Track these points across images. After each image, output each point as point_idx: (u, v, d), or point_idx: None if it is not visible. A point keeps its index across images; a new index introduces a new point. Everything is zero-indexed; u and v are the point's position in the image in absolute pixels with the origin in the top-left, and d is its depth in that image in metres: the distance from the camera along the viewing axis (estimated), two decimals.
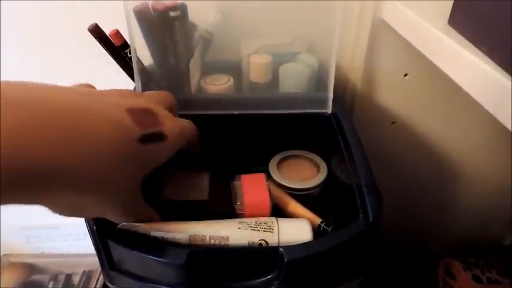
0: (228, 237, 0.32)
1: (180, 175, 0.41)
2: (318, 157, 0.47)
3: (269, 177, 0.43)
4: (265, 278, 0.32)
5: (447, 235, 0.76)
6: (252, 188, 0.39)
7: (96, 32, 0.39)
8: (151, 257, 0.31)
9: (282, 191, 0.42)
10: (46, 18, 0.50)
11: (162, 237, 0.32)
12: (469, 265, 0.65)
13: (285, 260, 0.30)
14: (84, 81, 0.31)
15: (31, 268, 0.77)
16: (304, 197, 0.42)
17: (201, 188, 0.40)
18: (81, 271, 0.76)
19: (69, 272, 0.76)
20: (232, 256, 0.32)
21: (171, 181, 0.40)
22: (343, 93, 0.56)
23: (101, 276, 0.74)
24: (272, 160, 0.47)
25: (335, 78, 0.44)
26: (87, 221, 0.32)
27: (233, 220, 0.34)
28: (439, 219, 0.74)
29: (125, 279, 0.34)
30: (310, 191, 0.43)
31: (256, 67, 0.46)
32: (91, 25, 0.39)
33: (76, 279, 0.75)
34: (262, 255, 0.32)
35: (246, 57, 0.47)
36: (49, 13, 0.50)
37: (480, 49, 0.30)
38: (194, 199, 0.39)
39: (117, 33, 0.40)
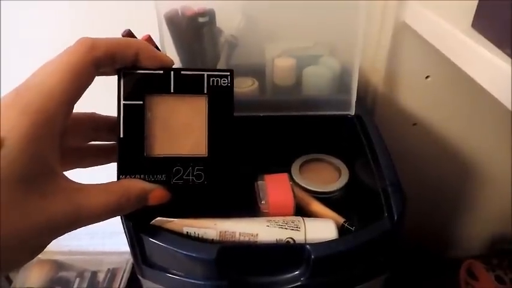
0: (257, 234, 0.33)
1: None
2: (340, 161, 0.48)
3: (291, 180, 0.44)
4: (292, 274, 0.33)
5: (469, 236, 0.76)
6: (276, 188, 0.40)
7: (130, 37, 0.41)
8: (183, 252, 0.32)
9: (304, 192, 0.43)
10: (81, 26, 0.53)
11: (194, 232, 0.33)
12: (492, 266, 0.64)
13: (312, 256, 0.31)
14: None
15: (59, 265, 0.79)
16: (326, 200, 0.43)
17: (197, 138, 0.32)
18: (106, 269, 0.78)
19: (95, 269, 0.78)
20: (261, 252, 0.33)
21: (157, 133, 0.32)
22: (365, 95, 0.57)
23: (125, 273, 0.76)
24: (294, 163, 0.48)
25: (357, 80, 0.44)
26: (122, 217, 0.34)
27: (261, 218, 0.36)
28: (461, 220, 0.74)
29: (157, 273, 0.36)
30: (331, 195, 0.44)
31: (280, 70, 0.48)
32: (125, 31, 0.41)
33: (101, 277, 0.77)
34: (290, 252, 0.33)
35: (270, 60, 0.48)
36: (83, 21, 0.52)
37: (504, 51, 0.31)
38: (190, 154, 0.32)
39: (149, 39, 0.42)
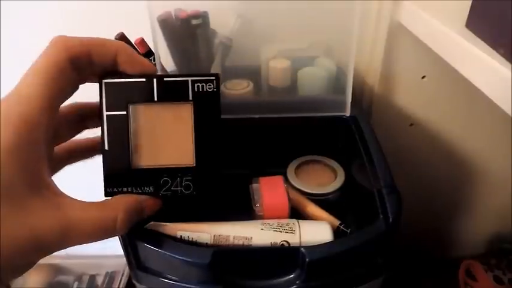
0: (251, 238, 0.33)
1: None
2: (336, 163, 0.48)
3: (287, 182, 0.44)
4: (287, 278, 0.33)
5: (468, 236, 0.76)
6: (270, 190, 0.39)
7: (123, 40, 0.41)
8: (177, 257, 0.32)
9: (300, 194, 0.43)
10: (74, 28, 0.52)
11: (188, 237, 0.33)
12: (490, 266, 0.64)
13: (307, 259, 0.31)
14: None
15: (57, 269, 0.79)
16: (322, 202, 0.43)
17: (184, 148, 0.31)
18: (104, 272, 0.78)
19: (93, 273, 0.78)
20: (256, 256, 0.33)
21: (143, 144, 0.31)
22: (361, 95, 0.57)
23: (123, 277, 0.76)
24: (290, 165, 0.48)
25: (353, 81, 0.44)
26: None
27: (256, 221, 0.35)
28: (459, 220, 0.73)
29: (152, 278, 0.35)
30: (327, 196, 0.44)
31: (275, 72, 0.47)
32: (118, 34, 0.41)
33: (99, 280, 0.77)
34: (284, 255, 0.33)
35: (265, 62, 0.47)
36: (76, 23, 0.52)
37: (498, 51, 0.30)
38: (177, 165, 0.31)
39: (142, 41, 0.42)
